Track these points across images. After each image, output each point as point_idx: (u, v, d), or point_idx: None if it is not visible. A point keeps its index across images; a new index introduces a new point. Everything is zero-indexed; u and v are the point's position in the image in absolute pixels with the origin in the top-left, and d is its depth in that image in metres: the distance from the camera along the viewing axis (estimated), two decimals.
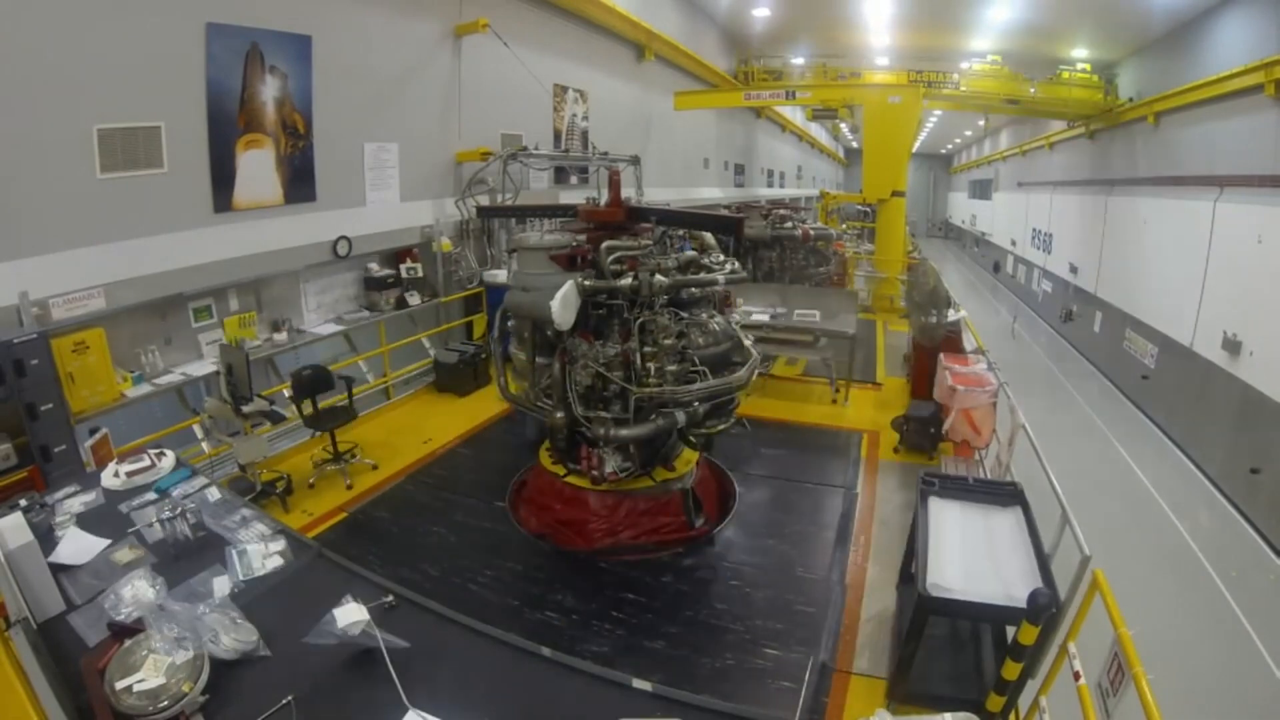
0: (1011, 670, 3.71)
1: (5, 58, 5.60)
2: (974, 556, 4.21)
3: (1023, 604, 3.63)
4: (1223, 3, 15.09)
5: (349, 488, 6.91)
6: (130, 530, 3.46)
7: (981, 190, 46.11)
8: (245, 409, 6.19)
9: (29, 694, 2.49)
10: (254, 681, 2.50)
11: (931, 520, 4.53)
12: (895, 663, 4.18)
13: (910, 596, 4.58)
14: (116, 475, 3.95)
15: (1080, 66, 21.80)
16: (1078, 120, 22.97)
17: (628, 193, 7.71)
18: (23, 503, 3.65)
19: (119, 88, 6.43)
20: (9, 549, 2.84)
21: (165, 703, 2.29)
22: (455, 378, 9.65)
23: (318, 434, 7.39)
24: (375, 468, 7.32)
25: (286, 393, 7.82)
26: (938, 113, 34.64)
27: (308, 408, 7.01)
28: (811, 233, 13.46)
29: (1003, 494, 4.85)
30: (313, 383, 7.07)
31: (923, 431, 7.82)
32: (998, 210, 40.60)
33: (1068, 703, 3.46)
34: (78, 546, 3.28)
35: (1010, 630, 4.77)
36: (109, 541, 3.35)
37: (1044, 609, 3.50)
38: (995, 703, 3.85)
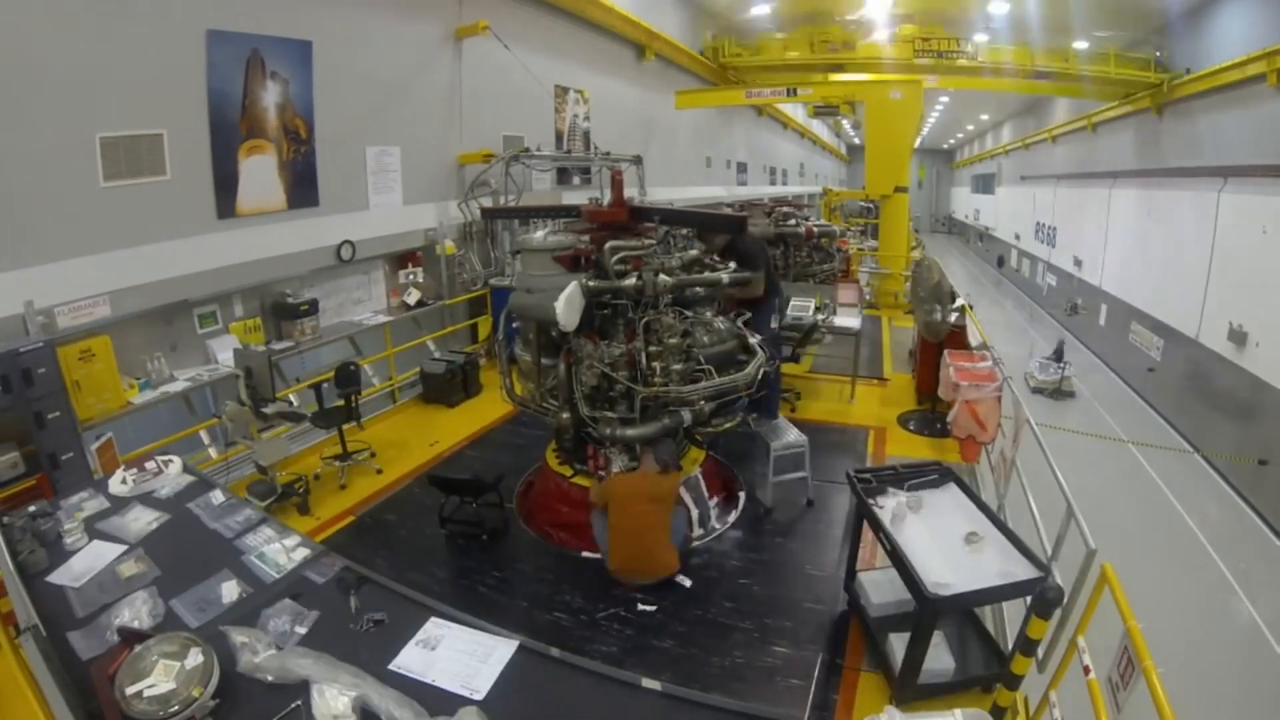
0: (1021, 665, 3.70)
1: (8, 68, 5.62)
2: (947, 544, 4.16)
3: (1018, 578, 3.72)
4: None
5: (343, 487, 6.98)
6: (137, 539, 3.46)
7: (984, 185, 46.05)
8: (266, 410, 6.21)
9: (40, 700, 2.50)
10: (263, 686, 2.50)
11: (887, 517, 4.42)
12: (903, 667, 4.07)
13: (858, 594, 4.71)
14: (124, 482, 3.96)
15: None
16: (1130, 95, 19.67)
17: (630, 193, 7.71)
18: (31, 509, 3.67)
19: (121, 96, 6.45)
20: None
21: (175, 708, 2.30)
22: (443, 389, 9.23)
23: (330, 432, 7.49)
24: (380, 472, 7.32)
25: (293, 398, 7.87)
26: (944, 99, 34.45)
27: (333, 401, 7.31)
28: (815, 230, 13.42)
29: (932, 474, 4.79)
30: (354, 378, 7.34)
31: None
32: (1001, 204, 40.56)
33: (1078, 697, 3.45)
34: (84, 565, 3.28)
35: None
36: (118, 553, 3.35)
37: (1053, 604, 3.49)
38: (1006, 698, 3.85)
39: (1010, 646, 4.00)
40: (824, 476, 7.14)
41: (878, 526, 4.35)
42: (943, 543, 4.16)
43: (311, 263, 8.60)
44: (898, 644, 4.14)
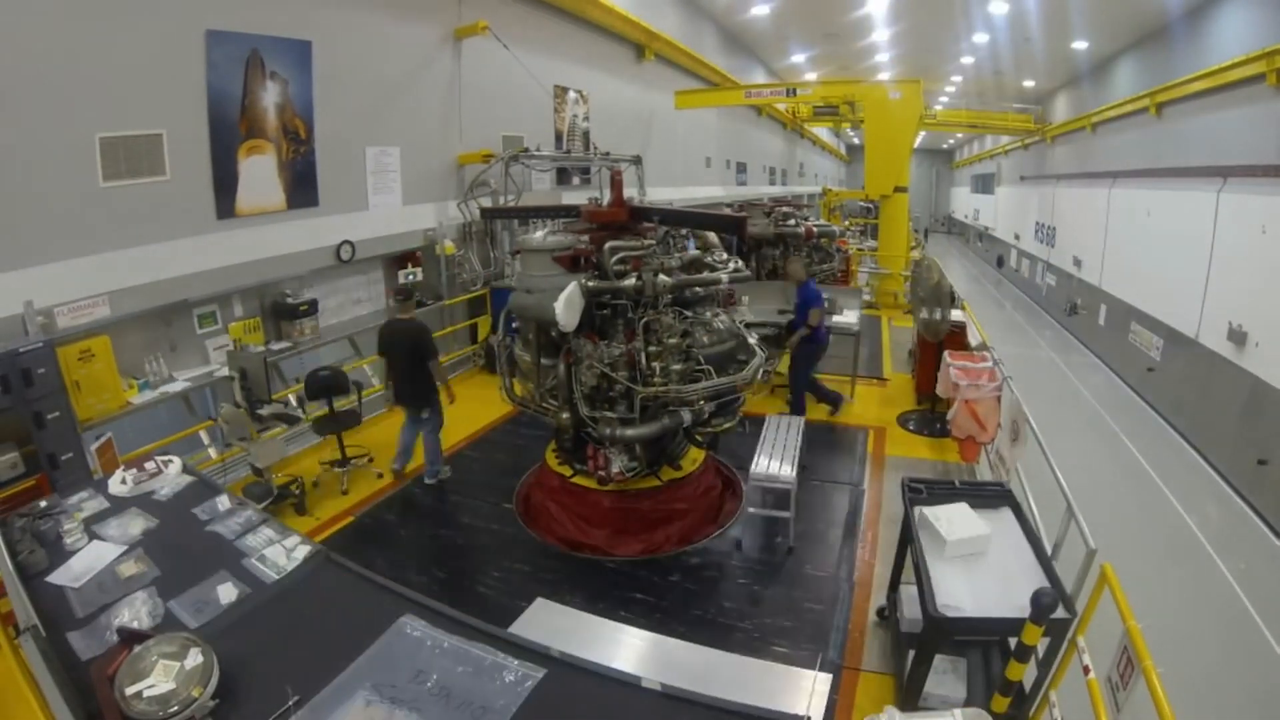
0: (1016, 671, 3.66)
1: (7, 68, 5.62)
2: (976, 566, 4.03)
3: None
4: None
5: (344, 493, 6.94)
6: (137, 540, 3.46)
7: (984, 185, 46.03)
8: (262, 412, 6.20)
9: (39, 700, 2.49)
10: (263, 684, 2.50)
11: (925, 531, 4.29)
12: (906, 683, 4.00)
13: (896, 604, 4.52)
14: (124, 482, 3.95)
15: (1017, 106, 31.15)
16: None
17: (630, 193, 7.71)
18: (42, 503, 3.68)
19: (120, 96, 6.45)
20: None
21: (175, 708, 2.29)
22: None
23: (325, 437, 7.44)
24: (380, 476, 7.32)
25: (292, 397, 7.87)
26: (944, 99, 35.35)
27: (316, 409, 7.26)
28: (815, 230, 13.43)
29: (990, 496, 4.61)
30: (328, 385, 7.19)
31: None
32: (1000, 204, 40.53)
33: (1078, 696, 3.45)
34: (84, 565, 3.27)
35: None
36: (118, 553, 3.35)
37: (1047, 610, 3.45)
38: (1000, 703, 3.82)
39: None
40: (824, 476, 7.17)
41: (910, 538, 4.27)
42: (974, 565, 4.01)
43: (311, 263, 8.60)
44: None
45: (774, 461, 6.12)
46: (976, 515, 4.23)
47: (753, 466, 6.03)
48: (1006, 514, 4.47)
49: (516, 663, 2.64)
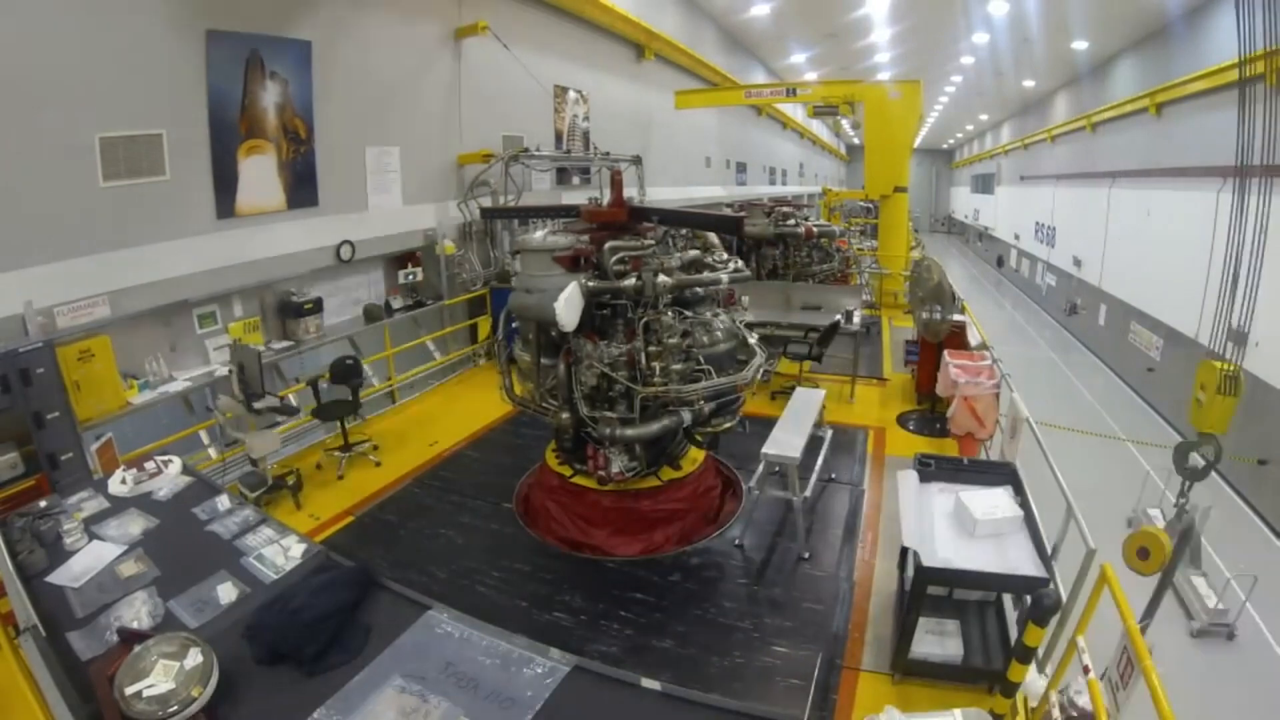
0: (1018, 672, 3.71)
1: (7, 68, 5.62)
2: (967, 530, 4.33)
3: (1019, 572, 3.82)
4: None
5: (340, 478, 7.22)
6: (137, 539, 3.46)
7: (984, 185, 46.05)
8: (257, 405, 6.21)
9: (39, 701, 2.49)
10: (263, 684, 2.50)
11: (925, 496, 4.67)
12: (896, 633, 4.30)
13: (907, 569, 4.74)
14: (123, 482, 3.96)
15: None
16: None
17: (630, 193, 7.71)
18: (42, 503, 3.68)
19: (120, 96, 6.45)
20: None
21: (175, 708, 2.30)
22: None
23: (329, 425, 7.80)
24: (378, 465, 7.49)
25: (292, 397, 7.87)
26: (943, 99, 35.12)
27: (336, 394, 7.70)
28: (814, 230, 13.43)
29: (995, 473, 4.95)
30: (345, 372, 7.59)
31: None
32: (1000, 204, 40.56)
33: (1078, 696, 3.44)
34: (84, 565, 3.27)
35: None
36: (118, 553, 3.35)
37: (1049, 612, 3.49)
38: (1002, 705, 3.86)
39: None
40: (823, 476, 7.14)
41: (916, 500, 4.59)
42: (964, 528, 4.32)
43: (311, 263, 8.60)
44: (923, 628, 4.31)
45: (788, 436, 6.03)
46: (1009, 500, 4.46)
47: (765, 447, 5.91)
48: (1008, 490, 4.72)
49: (542, 657, 2.68)
